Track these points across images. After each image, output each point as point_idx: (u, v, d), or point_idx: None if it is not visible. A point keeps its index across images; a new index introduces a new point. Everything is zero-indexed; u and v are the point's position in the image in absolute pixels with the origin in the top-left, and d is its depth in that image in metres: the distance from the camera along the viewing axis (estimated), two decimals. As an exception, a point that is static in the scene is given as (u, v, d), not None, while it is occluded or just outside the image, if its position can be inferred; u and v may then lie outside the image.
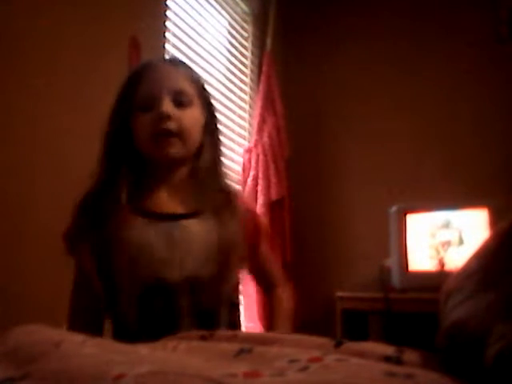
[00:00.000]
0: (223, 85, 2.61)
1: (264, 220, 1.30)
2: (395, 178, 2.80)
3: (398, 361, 0.60)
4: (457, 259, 2.30)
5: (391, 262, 2.47)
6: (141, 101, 1.08)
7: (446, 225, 2.39)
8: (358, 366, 0.56)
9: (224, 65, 2.67)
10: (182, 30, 2.29)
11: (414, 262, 2.39)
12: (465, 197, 2.51)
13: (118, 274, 1.04)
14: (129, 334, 1.03)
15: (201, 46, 2.43)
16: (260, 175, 2.64)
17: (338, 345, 0.65)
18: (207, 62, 2.46)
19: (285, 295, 1.27)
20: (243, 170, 2.64)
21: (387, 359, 0.60)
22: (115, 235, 1.04)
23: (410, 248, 2.40)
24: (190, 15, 2.36)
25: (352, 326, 2.49)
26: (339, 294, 2.53)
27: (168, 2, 2.19)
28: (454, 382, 0.53)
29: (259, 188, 2.60)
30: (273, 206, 2.62)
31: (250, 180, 2.61)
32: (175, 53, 2.20)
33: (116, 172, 1.09)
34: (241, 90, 2.82)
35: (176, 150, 1.08)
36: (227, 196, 1.14)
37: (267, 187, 2.62)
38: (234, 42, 2.79)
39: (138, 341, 0.79)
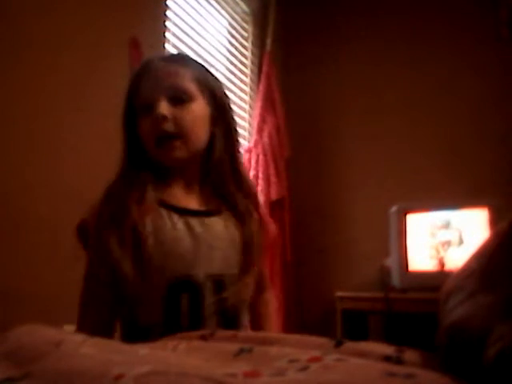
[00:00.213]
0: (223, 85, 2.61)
1: (274, 230, 1.31)
2: (395, 178, 2.80)
3: (398, 361, 0.60)
4: (457, 259, 2.30)
5: (391, 261, 2.47)
6: (142, 103, 1.07)
7: (446, 225, 2.39)
8: (358, 366, 0.56)
9: (224, 65, 2.67)
10: (182, 30, 2.29)
11: (414, 262, 2.39)
12: (465, 197, 2.52)
13: (142, 267, 0.99)
14: (148, 335, 0.97)
15: (201, 46, 2.43)
16: (260, 175, 2.64)
17: (338, 345, 0.65)
18: (207, 61, 2.46)
19: (272, 298, 1.27)
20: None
21: (387, 359, 0.60)
22: (142, 223, 1.00)
23: (410, 248, 2.40)
24: (190, 15, 2.36)
25: (352, 325, 2.49)
26: (339, 293, 2.53)
27: (168, 2, 2.19)
28: (454, 381, 0.53)
29: (259, 188, 2.60)
30: (273, 206, 2.63)
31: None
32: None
33: (137, 165, 1.07)
34: (241, 90, 2.82)
35: (179, 153, 1.05)
36: (246, 195, 1.13)
37: (267, 187, 2.63)
38: (234, 41, 2.79)
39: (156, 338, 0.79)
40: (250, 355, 0.64)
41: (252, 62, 2.93)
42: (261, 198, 2.58)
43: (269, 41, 2.88)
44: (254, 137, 2.72)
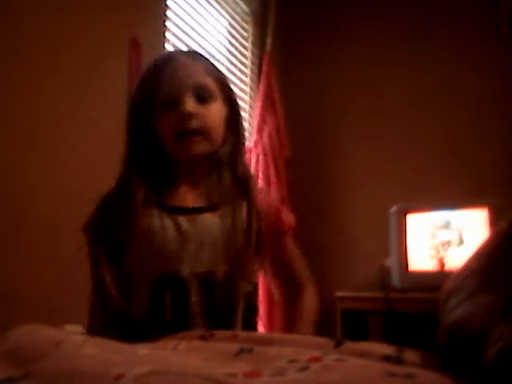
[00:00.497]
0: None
1: (288, 215, 1.18)
2: (395, 178, 2.80)
3: (398, 360, 0.60)
4: (457, 259, 2.30)
5: (391, 261, 2.47)
6: (162, 98, 1.05)
7: (446, 225, 2.39)
8: (358, 366, 0.56)
9: (224, 65, 2.67)
10: (182, 30, 2.29)
11: (414, 262, 2.39)
12: (465, 197, 2.52)
13: (132, 264, 1.02)
14: (138, 329, 1.01)
15: (201, 46, 2.43)
16: (260, 175, 2.64)
17: (338, 345, 0.65)
18: (207, 61, 2.46)
19: (310, 298, 1.18)
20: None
21: (387, 359, 0.60)
22: (130, 227, 1.02)
23: (410, 248, 2.40)
24: (190, 15, 2.36)
25: (352, 325, 2.49)
26: (339, 293, 2.53)
27: (168, 2, 2.19)
28: (454, 381, 0.53)
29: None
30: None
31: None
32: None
33: (137, 170, 1.07)
34: (241, 89, 2.82)
35: (200, 148, 1.06)
36: (243, 186, 1.10)
37: (267, 187, 2.63)
38: (234, 41, 2.79)
39: (146, 337, 0.78)
40: (250, 355, 0.64)
41: (252, 62, 2.93)
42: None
43: (269, 41, 2.88)
44: (254, 137, 2.72)
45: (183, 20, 2.31)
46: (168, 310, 1.01)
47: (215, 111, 1.08)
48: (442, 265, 2.36)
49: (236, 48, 2.81)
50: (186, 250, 1.03)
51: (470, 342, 0.56)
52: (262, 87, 2.78)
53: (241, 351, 0.65)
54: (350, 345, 0.65)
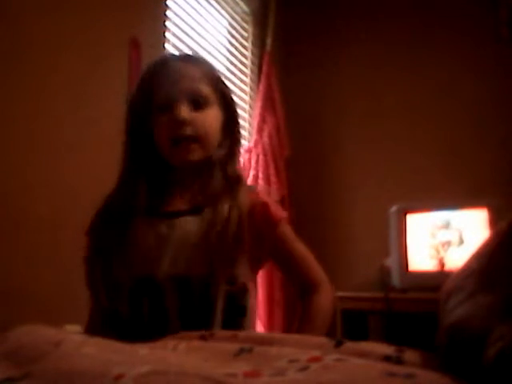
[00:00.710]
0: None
1: (281, 211, 1.14)
2: (395, 178, 2.80)
3: (398, 361, 0.60)
4: (457, 259, 2.30)
5: (391, 261, 2.47)
6: (158, 101, 1.06)
7: (446, 225, 2.39)
8: (358, 366, 0.56)
9: (224, 65, 2.67)
10: (182, 30, 2.29)
11: (414, 262, 2.39)
12: (465, 197, 2.51)
13: (115, 269, 1.04)
14: (119, 332, 1.02)
15: (201, 46, 2.43)
16: (260, 175, 2.64)
17: (338, 345, 0.65)
18: (207, 62, 2.46)
19: (322, 300, 1.11)
20: (243, 170, 2.64)
21: (387, 359, 0.60)
22: (122, 234, 1.05)
23: (410, 248, 2.40)
24: (190, 15, 2.36)
25: (352, 326, 2.49)
26: (339, 293, 2.52)
27: (168, 2, 2.19)
28: (454, 381, 0.53)
29: (259, 188, 2.60)
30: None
31: (250, 180, 2.61)
32: (175, 53, 2.20)
33: (135, 175, 1.08)
34: (241, 89, 2.82)
35: (196, 155, 1.07)
36: (231, 184, 1.09)
37: (267, 187, 2.63)
38: (234, 41, 2.79)
39: (128, 339, 0.79)
40: (250, 355, 0.64)
41: (252, 62, 2.93)
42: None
43: (269, 41, 2.88)
44: (254, 137, 2.72)
45: (183, 20, 2.31)
46: (145, 315, 1.02)
47: (211, 117, 1.08)
48: (442, 265, 2.36)
49: (236, 48, 2.81)
50: (163, 255, 1.03)
51: (470, 342, 0.56)
52: (262, 87, 2.78)
53: (241, 351, 0.65)
54: (350, 345, 0.65)
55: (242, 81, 2.84)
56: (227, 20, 2.75)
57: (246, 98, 2.86)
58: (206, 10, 2.52)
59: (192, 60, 1.14)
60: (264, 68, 2.81)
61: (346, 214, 2.95)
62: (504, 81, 2.66)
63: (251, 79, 2.91)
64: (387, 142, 2.88)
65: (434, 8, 2.88)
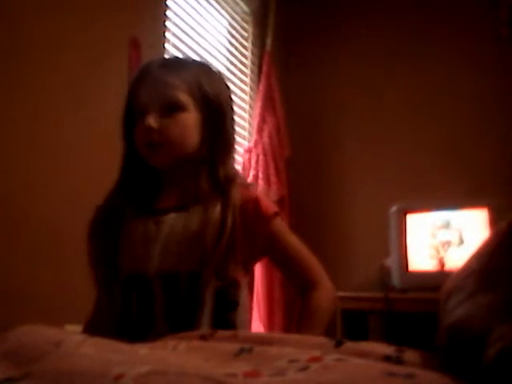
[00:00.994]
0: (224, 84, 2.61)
1: (272, 206, 1.13)
2: (395, 178, 2.80)
3: (398, 361, 0.60)
4: (457, 259, 2.30)
5: (391, 261, 2.47)
6: (137, 109, 1.11)
7: (446, 225, 2.39)
8: (358, 366, 0.56)
9: (224, 65, 2.67)
10: (182, 30, 2.29)
11: (414, 261, 2.39)
12: (465, 197, 2.52)
13: (108, 267, 1.08)
14: (111, 325, 1.06)
15: (201, 46, 2.43)
16: (260, 175, 2.64)
17: (338, 345, 0.65)
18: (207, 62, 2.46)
19: (321, 297, 1.11)
20: (243, 170, 2.64)
21: (387, 359, 0.60)
22: (114, 233, 1.09)
23: (410, 248, 2.40)
24: (190, 15, 2.36)
25: (352, 326, 2.49)
26: (339, 293, 2.52)
27: (168, 2, 2.19)
28: (454, 381, 0.53)
29: (259, 188, 2.60)
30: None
31: (249, 180, 2.61)
32: (175, 53, 2.20)
33: (130, 176, 1.13)
34: (241, 89, 2.82)
35: (161, 158, 1.11)
36: (220, 184, 1.10)
37: (267, 187, 2.63)
38: (234, 41, 2.79)
39: (119, 336, 0.79)
40: (250, 355, 0.64)
41: (252, 62, 2.93)
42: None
43: (269, 41, 2.88)
44: (254, 137, 2.72)
45: (183, 20, 2.31)
46: (134, 310, 1.05)
47: (182, 122, 1.10)
48: (442, 265, 2.36)
49: (236, 48, 2.81)
50: (151, 251, 1.06)
51: (470, 342, 0.56)
52: (262, 87, 2.78)
53: (241, 351, 0.65)
54: (350, 345, 0.65)
55: (242, 81, 2.84)
56: (227, 20, 2.75)
57: (246, 97, 2.86)
58: (206, 10, 2.52)
59: (173, 66, 1.16)
60: (264, 68, 2.81)
61: (345, 214, 2.95)
62: (504, 80, 2.66)
63: (251, 79, 2.91)
64: (387, 142, 2.88)
65: (435, 6, 2.88)
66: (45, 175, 1.60)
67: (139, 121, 1.10)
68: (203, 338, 0.76)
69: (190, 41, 2.35)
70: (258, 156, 2.67)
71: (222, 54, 2.67)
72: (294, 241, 1.16)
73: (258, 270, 2.48)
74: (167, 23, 2.18)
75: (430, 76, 2.84)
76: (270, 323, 2.51)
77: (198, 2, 2.45)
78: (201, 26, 2.45)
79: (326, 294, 1.13)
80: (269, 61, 2.82)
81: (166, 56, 2.12)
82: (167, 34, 2.17)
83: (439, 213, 2.42)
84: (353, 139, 2.98)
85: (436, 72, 2.83)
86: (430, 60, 2.85)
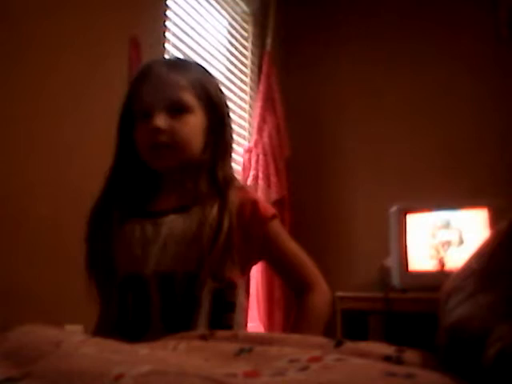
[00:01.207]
0: (223, 85, 2.61)
1: (270, 209, 1.13)
2: (395, 178, 2.80)
3: (398, 361, 0.60)
4: (457, 259, 2.30)
5: (391, 261, 2.47)
6: (140, 108, 1.09)
7: (446, 225, 2.39)
8: (358, 366, 0.56)
9: (224, 65, 2.67)
10: (182, 30, 2.29)
11: (413, 261, 2.39)
12: (465, 197, 2.51)
13: (104, 268, 1.08)
14: (110, 327, 1.06)
15: (201, 46, 2.43)
16: (260, 175, 2.64)
17: (338, 345, 0.65)
18: (207, 61, 2.46)
19: (317, 299, 1.11)
20: (243, 170, 2.64)
21: (387, 359, 0.60)
22: (105, 235, 1.08)
23: (410, 248, 2.40)
24: (190, 15, 2.36)
25: (352, 326, 2.49)
26: (339, 293, 2.52)
27: (168, 2, 2.19)
28: (454, 381, 0.53)
29: (259, 188, 2.60)
30: (273, 206, 2.62)
31: (250, 180, 2.61)
32: (175, 53, 2.20)
33: (123, 176, 1.12)
34: (241, 89, 2.82)
35: (168, 161, 1.09)
36: (218, 186, 1.10)
37: (267, 187, 2.63)
38: (234, 41, 2.79)
39: (116, 336, 0.79)
40: (250, 355, 0.64)
41: (252, 62, 2.93)
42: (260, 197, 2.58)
43: (269, 41, 2.88)
44: (254, 137, 2.72)
45: (183, 20, 2.31)
46: (130, 310, 1.05)
47: (190, 124, 1.09)
48: (442, 265, 2.36)
49: (236, 48, 2.81)
50: (149, 252, 1.05)
51: (470, 341, 0.56)
52: (262, 87, 2.78)
53: (241, 351, 0.65)
54: (350, 345, 0.65)
55: (242, 81, 2.84)
56: (227, 20, 2.75)
57: (246, 97, 2.86)
58: (206, 9, 2.52)
59: (177, 66, 1.15)
60: (264, 68, 2.81)
61: (346, 214, 2.95)
62: (504, 80, 2.66)
63: (251, 79, 2.91)
64: (387, 142, 2.88)
65: (435, 7, 2.88)
66: (45, 175, 1.60)
67: (141, 121, 1.08)
68: (203, 337, 0.76)
69: (190, 41, 2.35)
70: (258, 156, 2.67)
71: (222, 53, 2.67)
72: (291, 243, 1.15)
73: (258, 269, 2.48)
74: (167, 23, 2.18)
75: (429, 76, 2.84)
76: (270, 323, 2.51)
77: (198, 2, 2.45)
78: (201, 25, 2.45)
79: (322, 296, 1.13)
80: (269, 61, 2.82)
81: (166, 56, 2.13)
82: (167, 34, 2.17)
83: (439, 213, 2.43)
84: (353, 139, 2.98)
85: (436, 72, 2.83)
86: (430, 60, 2.85)
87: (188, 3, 2.35)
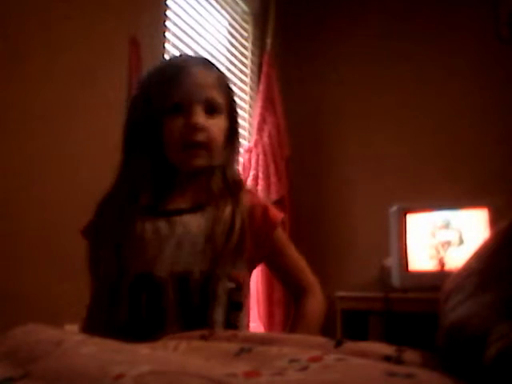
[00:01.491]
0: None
1: (278, 214, 1.15)
2: (395, 178, 2.80)
3: (398, 360, 0.60)
4: (457, 259, 2.30)
5: (391, 261, 2.47)
6: (172, 105, 1.07)
7: (446, 225, 2.39)
8: (358, 366, 0.56)
9: (224, 65, 2.67)
10: (182, 30, 2.29)
11: (413, 261, 2.39)
12: (465, 197, 2.51)
13: (115, 266, 1.05)
14: (118, 328, 1.03)
15: (201, 46, 2.43)
16: (260, 175, 2.64)
17: (338, 344, 0.65)
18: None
19: (314, 303, 1.16)
20: (243, 170, 2.64)
21: (387, 359, 0.60)
22: (120, 232, 1.06)
23: (410, 248, 2.40)
24: (190, 15, 2.36)
25: (352, 326, 2.49)
26: (339, 293, 2.53)
27: (168, 2, 2.19)
28: (454, 381, 0.53)
29: (259, 188, 2.60)
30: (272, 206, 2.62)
31: (250, 180, 2.61)
32: (175, 53, 2.20)
33: (138, 174, 1.09)
34: (241, 89, 2.82)
35: (202, 161, 1.08)
36: (230, 187, 1.11)
37: (267, 187, 2.63)
38: (234, 41, 2.79)
39: (126, 336, 0.79)
40: (250, 355, 0.64)
41: (252, 62, 2.93)
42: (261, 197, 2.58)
43: (269, 41, 2.88)
44: (254, 137, 2.72)
45: (183, 20, 2.31)
46: (143, 309, 1.03)
47: (219, 125, 1.10)
48: (442, 265, 2.36)
49: (236, 48, 2.81)
50: (163, 252, 1.05)
51: (470, 341, 0.56)
52: (262, 87, 2.78)
53: (241, 351, 0.65)
54: (350, 345, 0.65)
55: (242, 81, 2.84)
56: (227, 20, 2.75)
57: (246, 97, 2.86)
58: (206, 9, 2.52)
59: (208, 65, 1.15)
60: (264, 68, 2.81)
61: (345, 214, 2.95)
62: (504, 81, 2.66)
63: (251, 79, 2.91)
64: (387, 142, 2.88)
65: (435, 6, 2.88)
66: (45, 175, 1.60)
67: (174, 116, 1.06)
68: (203, 337, 0.76)
69: (190, 41, 2.35)
70: (258, 156, 2.67)
71: (222, 54, 2.67)
72: (292, 250, 1.19)
73: (258, 270, 2.48)
74: (167, 23, 2.18)
75: (429, 75, 2.84)
76: (270, 323, 2.51)
77: (198, 2, 2.45)
78: (201, 25, 2.45)
79: (318, 301, 1.18)
80: (269, 61, 2.82)
81: (166, 56, 2.13)
82: (167, 34, 2.17)
83: (439, 213, 2.43)
84: (353, 139, 2.98)
85: (436, 71, 2.83)
86: (430, 59, 2.85)
87: (188, 3, 2.35)
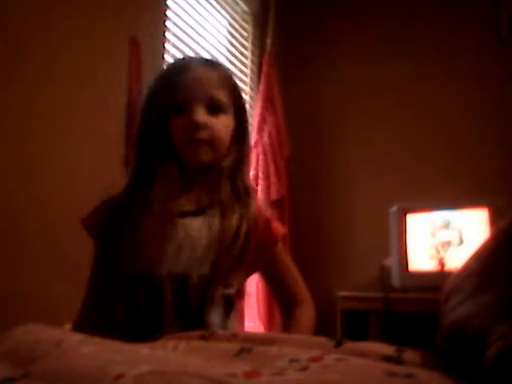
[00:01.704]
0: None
1: (282, 228, 1.19)
2: (395, 178, 2.80)
3: (398, 360, 0.60)
4: (457, 259, 2.30)
5: (391, 261, 2.47)
6: (176, 104, 1.09)
7: (446, 225, 2.39)
8: (358, 366, 0.56)
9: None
10: (182, 30, 2.29)
11: (413, 261, 2.39)
12: (465, 197, 2.52)
13: (116, 265, 1.06)
14: (115, 327, 1.04)
15: (201, 46, 2.43)
16: (260, 175, 2.64)
17: (338, 344, 0.65)
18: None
19: (304, 315, 1.17)
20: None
21: (387, 359, 0.60)
22: (122, 231, 1.07)
23: (410, 248, 2.40)
24: (190, 15, 2.36)
25: (352, 325, 2.49)
26: (339, 293, 2.53)
27: (168, 2, 2.19)
28: (454, 381, 0.53)
29: (259, 188, 2.61)
30: (273, 206, 2.63)
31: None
32: (175, 53, 2.20)
33: (148, 174, 1.10)
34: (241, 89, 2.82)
35: (205, 156, 1.09)
36: (240, 195, 1.12)
37: (267, 187, 2.63)
38: (234, 41, 2.79)
39: (123, 335, 0.79)
40: (250, 355, 0.64)
41: (252, 62, 2.93)
42: (261, 197, 2.58)
43: (269, 41, 2.88)
44: (254, 137, 2.72)
45: (183, 20, 2.31)
46: (141, 309, 1.04)
47: (224, 124, 1.11)
48: (442, 265, 2.36)
49: (236, 48, 2.81)
50: (164, 253, 1.05)
51: (470, 341, 0.56)
52: (262, 87, 2.78)
53: (241, 351, 0.65)
54: (350, 345, 0.65)
55: (242, 81, 2.84)
56: (227, 20, 2.75)
57: (246, 98, 2.86)
58: (206, 9, 2.52)
59: (212, 65, 1.16)
60: (264, 68, 2.81)
61: (345, 214, 2.95)
62: (504, 81, 2.66)
63: (251, 79, 2.91)
64: (387, 142, 2.88)
65: (435, 6, 2.88)
66: (45, 175, 1.60)
67: (179, 115, 1.08)
68: (203, 337, 0.76)
69: (190, 41, 2.35)
70: (258, 156, 2.67)
71: (222, 54, 2.67)
72: (289, 262, 1.21)
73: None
74: (167, 23, 2.18)
75: (429, 75, 2.84)
76: (270, 323, 2.51)
77: (198, 2, 2.45)
78: (201, 25, 2.45)
79: (310, 311, 1.19)
80: (269, 61, 2.82)
81: (166, 56, 2.13)
82: (167, 34, 2.17)
83: (439, 213, 2.43)
84: (353, 139, 2.98)
85: (436, 71, 2.83)
86: (430, 59, 2.85)
87: (188, 3, 2.35)
